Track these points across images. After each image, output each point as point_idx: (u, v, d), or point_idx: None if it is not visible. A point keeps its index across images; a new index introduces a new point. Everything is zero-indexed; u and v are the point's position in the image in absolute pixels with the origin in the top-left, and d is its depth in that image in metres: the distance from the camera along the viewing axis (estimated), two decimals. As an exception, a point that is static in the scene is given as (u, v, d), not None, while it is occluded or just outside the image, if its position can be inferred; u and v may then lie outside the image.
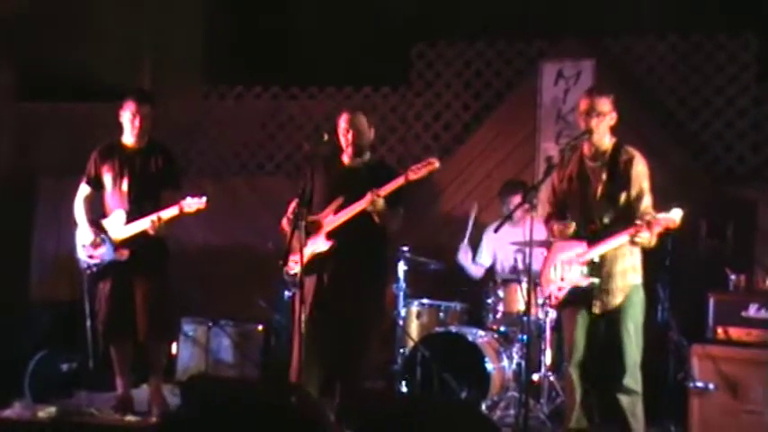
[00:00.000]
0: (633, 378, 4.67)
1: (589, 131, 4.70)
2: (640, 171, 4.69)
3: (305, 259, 4.82)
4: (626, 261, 4.70)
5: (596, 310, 4.70)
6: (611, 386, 4.68)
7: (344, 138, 5.17)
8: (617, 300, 4.69)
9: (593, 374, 4.78)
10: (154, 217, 5.30)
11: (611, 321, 4.71)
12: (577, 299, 4.76)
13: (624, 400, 4.65)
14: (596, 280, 4.67)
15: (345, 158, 5.23)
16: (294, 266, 4.94)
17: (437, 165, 4.92)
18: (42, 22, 7.50)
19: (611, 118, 4.74)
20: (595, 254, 4.66)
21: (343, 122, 5.18)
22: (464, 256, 6.47)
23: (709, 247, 6.37)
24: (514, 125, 7.12)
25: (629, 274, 4.71)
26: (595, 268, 4.67)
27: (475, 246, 6.55)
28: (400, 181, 4.92)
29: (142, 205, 5.42)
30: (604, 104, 4.72)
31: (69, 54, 7.33)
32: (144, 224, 5.34)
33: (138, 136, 5.53)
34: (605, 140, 4.77)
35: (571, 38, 7.07)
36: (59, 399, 5.74)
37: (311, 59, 7.76)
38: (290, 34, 8.04)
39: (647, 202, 4.64)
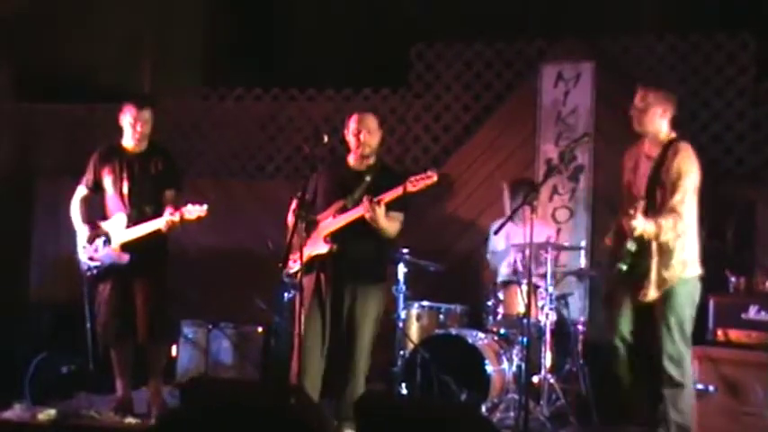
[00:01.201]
0: (677, 370, 4.69)
1: (636, 122, 4.85)
2: (683, 168, 4.73)
3: (303, 260, 4.83)
4: (671, 255, 4.71)
5: (641, 297, 4.75)
6: (653, 377, 4.75)
7: (355, 138, 5.15)
8: (655, 293, 4.72)
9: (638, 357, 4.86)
10: (161, 225, 5.29)
11: (652, 313, 4.76)
12: (627, 282, 4.80)
13: (666, 391, 4.70)
14: (624, 267, 4.70)
15: (351, 160, 5.23)
16: (294, 265, 4.95)
17: (435, 178, 4.92)
18: (42, 23, 7.50)
19: (658, 112, 4.82)
20: (629, 244, 4.70)
21: (353, 123, 5.17)
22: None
23: (708, 248, 6.36)
24: (515, 126, 7.12)
25: (674, 268, 4.72)
26: (629, 257, 4.71)
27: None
28: (398, 191, 4.93)
29: (142, 208, 5.42)
30: (650, 97, 4.82)
31: (69, 55, 7.33)
32: (148, 227, 5.33)
33: (139, 140, 5.52)
34: (661, 135, 4.85)
35: (570, 38, 7.07)
36: (59, 401, 5.73)
37: (310, 61, 7.76)
38: (289, 35, 8.04)
39: (677, 198, 4.69)
